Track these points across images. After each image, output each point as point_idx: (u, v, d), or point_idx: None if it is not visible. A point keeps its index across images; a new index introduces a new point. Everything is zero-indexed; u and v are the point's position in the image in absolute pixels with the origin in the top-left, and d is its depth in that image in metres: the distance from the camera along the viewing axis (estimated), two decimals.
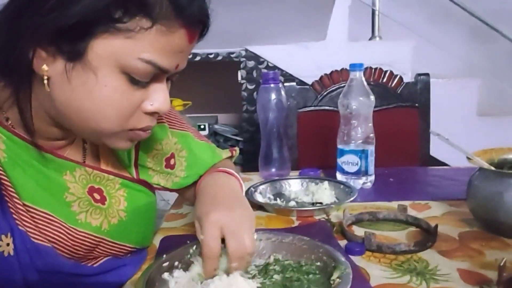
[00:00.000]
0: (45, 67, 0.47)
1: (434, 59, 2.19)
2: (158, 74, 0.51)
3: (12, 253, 0.50)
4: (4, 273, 0.50)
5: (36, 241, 0.52)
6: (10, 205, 0.51)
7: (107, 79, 0.48)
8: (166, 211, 0.90)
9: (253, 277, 0.54)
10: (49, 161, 0.55)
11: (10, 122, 0.53)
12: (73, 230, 0.55)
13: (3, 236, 0.49)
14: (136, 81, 0.49)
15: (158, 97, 0.52)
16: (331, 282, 0.49)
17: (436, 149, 1.40)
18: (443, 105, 1.67)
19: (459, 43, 2.27)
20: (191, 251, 0.56)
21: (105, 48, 0.46)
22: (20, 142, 0.53)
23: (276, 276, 0.52)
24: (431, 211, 0.82)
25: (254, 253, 0.55)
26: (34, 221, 0.52)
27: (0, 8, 0.48)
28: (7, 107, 0.53)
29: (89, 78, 0.47)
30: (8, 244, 0.50)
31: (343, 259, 0.52)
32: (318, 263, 0.54)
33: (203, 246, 0.52)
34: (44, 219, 0.53)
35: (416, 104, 1.37)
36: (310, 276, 0.52)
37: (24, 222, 0.52)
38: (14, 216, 0.51)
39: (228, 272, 0.52)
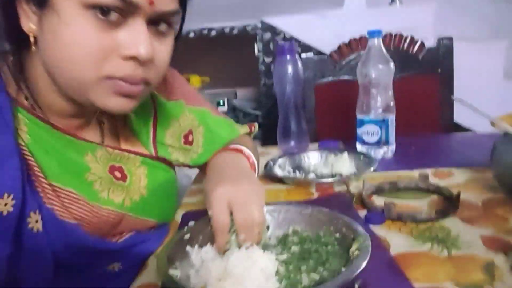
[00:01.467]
0: (31, 25, 0.48)
1: (458, 22, 2.10)
2: (130, 11, 0.47)
3: (41, 229, 0.51)
4: (34, 248, 0.51)
5: (62, 218, 0.53)
6: (37, 184, 0.52)
7: (70, 18, 0.45)
8: (188, 187, 0.92)
9: (272, 248, 0.54)
10: (70, 142, 0.56)
11: (29, 101, 0.54)
12: (97, 207, 0.56)
13: (31, 213, 0.50)
14: (104, 18, 0.46)
15: (134, 39, 0.47)
16: (350, 254, 0.48)
17: (460, 115, 1.36)
18: (467, 70, 1.61)
19: (484, 3, 2.16)
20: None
21: None
22: (41, 124, 0.54)
23: (294, 248, 0.53)
24: (454, 178, 0.80)
25: (264, 224, 0.54)
26: (60, 200, 0.54)
27: None
28: (23, 85, 0.53)
29: (54, 21, 0.46)
30: (37, 221, 0.51)
31: (362, 231, 0.51)
32: (337, 235, 0.53)
33: (212, 220, 0.53)
34: (69, 197, 0.54)
35: (439, 70, 1.33)
36: (329, 247, 0.51)
37: (50, 200, 0.53)
38: (41, 194, 0.53)
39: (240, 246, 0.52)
